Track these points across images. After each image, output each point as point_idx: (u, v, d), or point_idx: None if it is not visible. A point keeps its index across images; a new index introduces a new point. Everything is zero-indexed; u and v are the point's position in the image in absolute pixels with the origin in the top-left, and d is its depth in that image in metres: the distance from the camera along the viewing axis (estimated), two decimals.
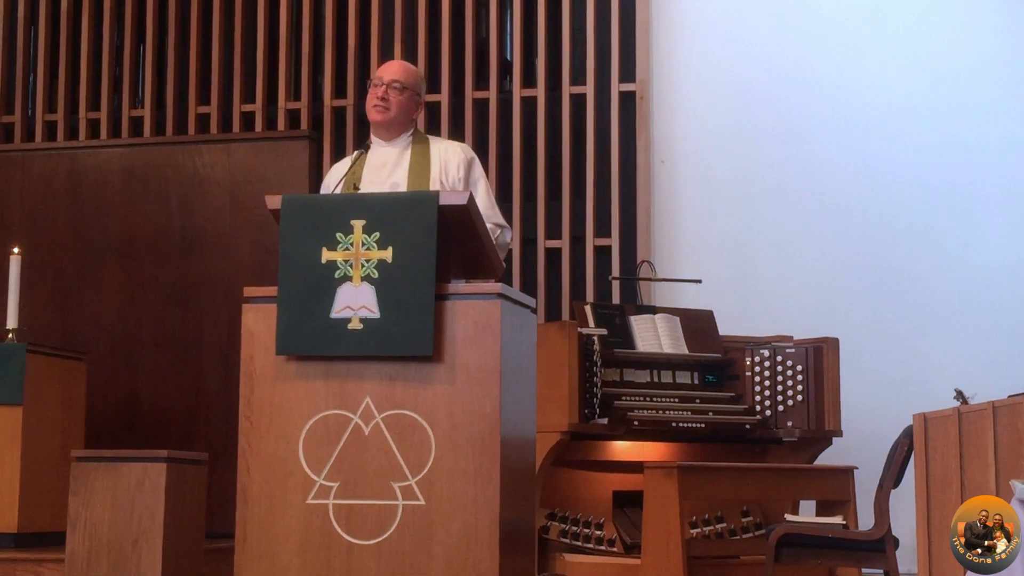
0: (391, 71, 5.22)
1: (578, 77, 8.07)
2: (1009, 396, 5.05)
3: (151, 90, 8.48)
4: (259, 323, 4.17)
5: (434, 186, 5.10)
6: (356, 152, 5.28)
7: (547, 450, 6.18)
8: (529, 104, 8.10)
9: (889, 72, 7.87)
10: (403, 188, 5.11)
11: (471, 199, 4.17)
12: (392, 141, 5.24)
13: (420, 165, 5.19)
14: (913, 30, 7.89)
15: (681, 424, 6.51)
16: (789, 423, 6.69)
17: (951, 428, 5.24)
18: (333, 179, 5.22)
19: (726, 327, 6.96)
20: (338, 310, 4.06)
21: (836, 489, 6.19)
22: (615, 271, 7.82)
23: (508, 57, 8.22)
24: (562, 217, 7.95)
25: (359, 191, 5.06)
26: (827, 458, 6.75)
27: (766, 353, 6.75)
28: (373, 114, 5.22)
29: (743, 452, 6.74)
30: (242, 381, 4.17)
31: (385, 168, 5.21)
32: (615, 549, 6.47)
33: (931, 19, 7.90)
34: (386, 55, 8.12)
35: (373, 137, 5.31)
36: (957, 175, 7.77)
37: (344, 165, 5.27)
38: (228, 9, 8.47)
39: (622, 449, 6.62)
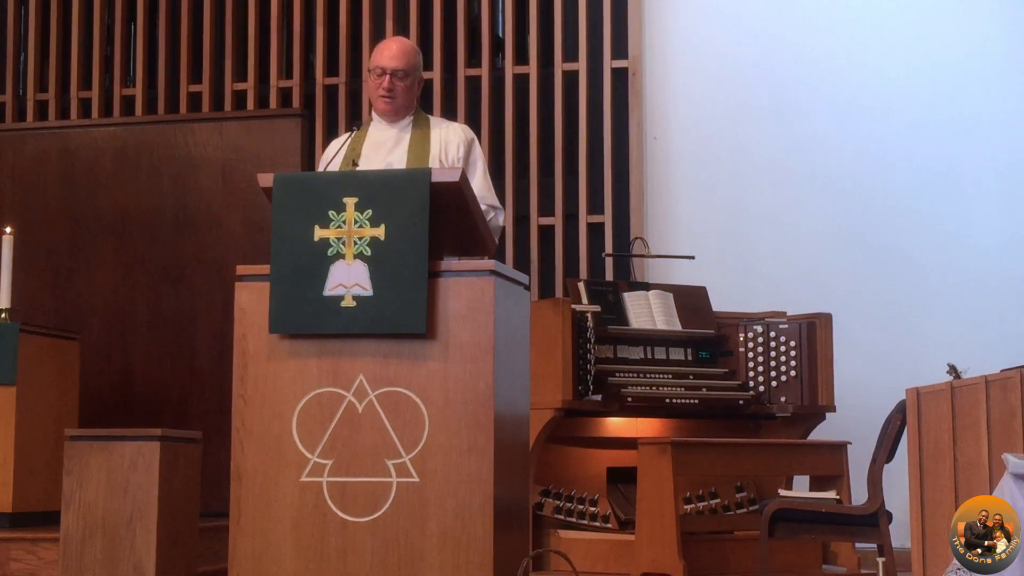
0: (392, 58, 5.18)
1: (570, 54, 8.06)
2: (1001, 371, 5.06)
3: (142, 69, 8.46)
4: (252, 301, 4.17)
5: (433, 166, 5.10)
6: (353, 129, 5.27)
7: (541, 427, 6.19)
8: (521, 81, 8.09)
9: (883, 49, 7.86)
10: (401, 167, 5.10)
11: (463, 176, 4.16)
12: (395, 122, 5.25)
13: (420, 145, 5.19)
14: (907, 8, 7.88)
15: (675, 400, 6.53)
16: (782, 399, 6.70)
17: (944, 402, 5.25)
18: (330, 155, 5.21)
19: (719, 303, 6.97)
20: (331, 288, 4.06)
21: (829, 464, 6.21)
22: (608, 248, 7.82)
23: (500, 34, 8.20)
24: (555, 194, 7.95)
25: (357, 168, 5.06)
26: (820, 433, 6.77)
27: (759, 329, 6.76)
28: (380, 104, 5.21)
29: (737, 428, 6.75)
30: (235, 359, 4.17)
31: (384, 147, 5.22)
32: (609, 525, 6.48)
33: None
34: (378, 33, 8.10)
35: (374, 116, 5.31)
36: (950, 152, 7.77)
37: (342, 141, 5.26)
38: None
39: (616, 425, 6.63)
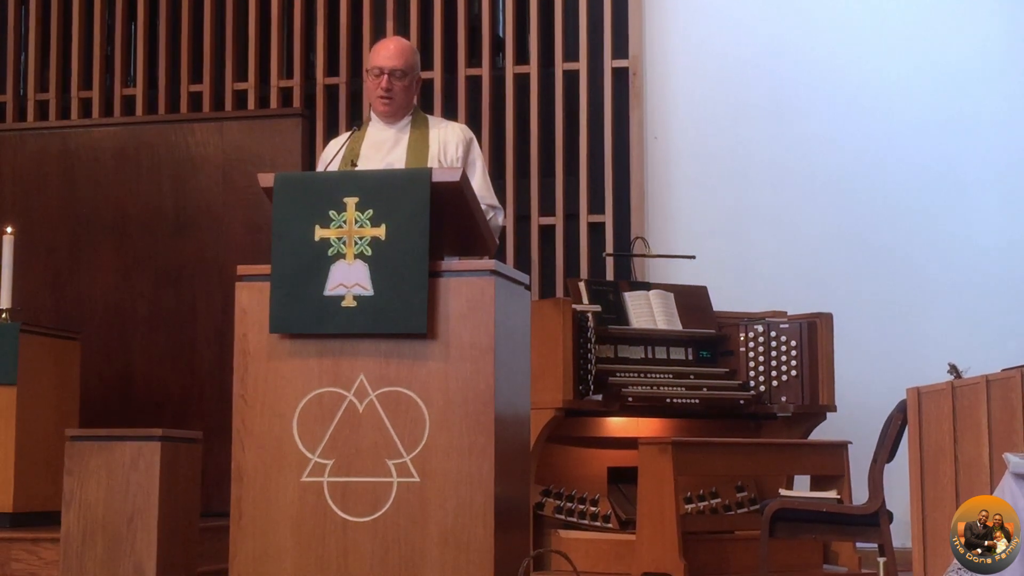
0: (390, 58, 5.19)
1: (571, 54, 8.06)
2: (1003, 370, 5.06)
3: (143, 69, 8.45)
4: (252, 301, 4.17)
5: (432, 166, 5.10)
6: (352, 129, 5.27)
7: (541, 427, 6.19)
8: (522, 81, 8.09)
9: (883, 50, 7.86)
10: (400, 167, 5.10)
11: (464, 176, 4.17)
12: (393, 122, 5.25)
13: (419, 145, 5.19)
14: (907, 8, 7.88)
15: (675, 400, 6.52)
16: (783, 398, 6.70)
17: (945, 402, 5.25)
18: (329, 155, 5.21)
19: (720, 303, 6.97)
20: (331, 288, 4.06)
21: (830, 464, 6.21)
22: (609, 247, 7.82)
23: (501, 34, 8.20)
24: (555, 194, 7.95)
25: (356, 168, 5.06)
26: (821, 433, 6.76)
27: (760, 329, 6.76)
28: (379, 106, 5.22)
29: (737, 428, 6.75)
30: (236, 359, 4.17)
31: (383, 147, 5.22)
32: (610, 525, 6.48)
33: None
34: (378, 33, 8.10)
35: (373, 116, 5.31)
36: (951, 152, 7.76)
37: (341, 141, 5.27)
38: None
39: (616, 425, 6.63)
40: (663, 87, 7.99)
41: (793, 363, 6.68)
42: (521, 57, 8.11)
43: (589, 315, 6.41)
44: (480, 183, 5.12)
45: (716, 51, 7.96)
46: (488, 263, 4.10)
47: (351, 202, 4.08)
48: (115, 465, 5.23)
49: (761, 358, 6.75)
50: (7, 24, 8.64)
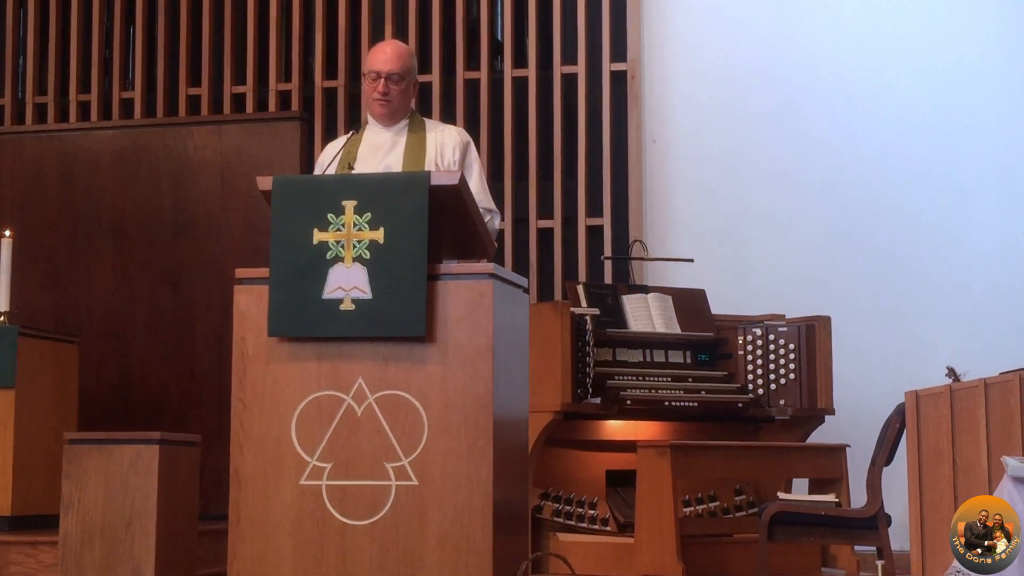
0: (387, 62, 5.18)
1: (569, 57, 8.06)
2: (1001, 373, 5.06)
3: (141, 72, 8.46)
4: (251, 304, 4.17)
5: (429, 169, 5.10)
6: (350, 132, 5.27)
7: (540, 430, 6.18)
8: (520, 84, 8.09)
9: (881, 52, 7.86)
10: (398, 170, 5.10)
11: (462, 179, 4.17)
12: (390, 126, 5.25)
13: (416, 148, 5.19)
14: (905, 10, 7.88)
15: (674, 403, 6.52)
16: (781, 401, 6.70)
17: (943, 405, 5.25)
18: (327, 158, 5.21)
19: (718, 306, 6.97)
20: (330, 291, 4.06)
21: (829, 467, 6.21)
22: (607, 251, 7.82)
23: (499, 37, 8.20)
24: (554, 197, 7.95)
25: (353, 171, 5.06)
26: (819, 436, 6.76)
27: (758, 332, 6.76)
28: (375, 108, 5.21)
29: (736, 431, 6.75)
30: (234, 363, 4.17)
31: (381, 150, 5.21)
32: (609, 528, 6.48)
33: (924, 1, 7.90)
34: (377, 36, 8.10)
35: (370, 119, 5.31)
36: (949, 155, 7.77)
37: (338, 144, 5.26)
38: None
39: (615, 428, 6.62)
40: (661, 90, 8.00)
41: (791, 366, 6.68)
42: (519, 60, 8.11)
43: (587, 318, 6.41)
44: (477, 187, 5.11)
45: (715, 54, 7.96)
46: (487, 266, 4.11)
47: (349, 205, 4.08)
48: (113, 468, 5.23)
49: (759, 361, 6.75)
50: (5, 27, 8.64)
